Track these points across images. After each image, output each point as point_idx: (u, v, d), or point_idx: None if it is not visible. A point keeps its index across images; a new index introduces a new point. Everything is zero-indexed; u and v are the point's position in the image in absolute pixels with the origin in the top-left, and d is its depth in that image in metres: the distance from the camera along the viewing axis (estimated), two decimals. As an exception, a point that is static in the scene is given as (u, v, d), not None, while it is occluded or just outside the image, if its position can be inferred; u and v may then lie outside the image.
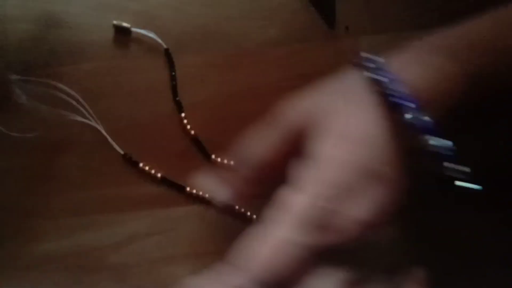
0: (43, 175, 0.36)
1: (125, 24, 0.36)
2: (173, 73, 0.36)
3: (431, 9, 0.36)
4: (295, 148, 0.27)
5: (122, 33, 0.36)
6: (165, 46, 0.36)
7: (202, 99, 0.36)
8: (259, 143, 0.28)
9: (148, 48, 0.36)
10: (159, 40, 0.36)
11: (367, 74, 0.26)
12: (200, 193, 0.35)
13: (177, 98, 0.36)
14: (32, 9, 0.37)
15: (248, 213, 0.35)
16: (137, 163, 0.35)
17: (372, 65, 0.26)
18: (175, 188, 0.35)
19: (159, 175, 0.35)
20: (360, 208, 0.25)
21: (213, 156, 0.35)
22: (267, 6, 0.36)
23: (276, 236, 0.25)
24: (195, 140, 0.36)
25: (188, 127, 0.36)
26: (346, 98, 0.27)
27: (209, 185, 0.31)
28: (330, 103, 0.27)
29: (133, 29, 0.36)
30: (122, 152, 0.35)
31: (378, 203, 0.25)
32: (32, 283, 0.35)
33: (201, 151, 0.36)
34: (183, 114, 0.36)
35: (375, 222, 0.25)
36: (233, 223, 0.35)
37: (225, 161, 0.35)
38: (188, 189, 0.35)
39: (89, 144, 0.36)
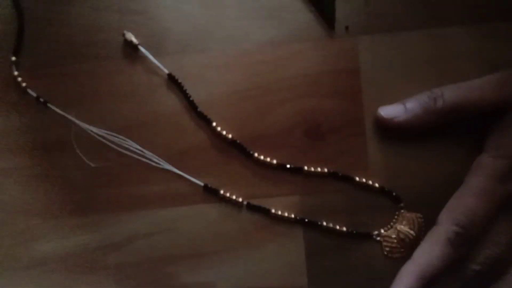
0: (43, 175, 0.36)
1: (134, 40, 0.36)
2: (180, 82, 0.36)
3: (431, 9, 0.36)
4: None
5: (129, 46, 0.36)
6: (167, 72, 0.36)
7: (202, 99, 0.36)
8: None
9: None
10: (161, 66, 0.36)
11: None
12: (228, 194, 0.35)
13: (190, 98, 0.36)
14: (32, 9, 0.37)
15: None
16: (217, 191, 0.35)
17: None
18: (213, 194, 0.35)
19: (201, 184, 0.35)
20: None
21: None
22: (267, 6, 0.36)
23: (477, 185, 0.31)
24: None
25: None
26: None
27: None
28: None
29: (140, 48, 0.36)
30: (202, 184, 0.35)
31: None
32: (32, 283, 0.35)
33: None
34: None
35: None
36: (233, 222, 0.35)
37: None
38: (222, 191, 0.35)
39: (89, 144, 0.36)
